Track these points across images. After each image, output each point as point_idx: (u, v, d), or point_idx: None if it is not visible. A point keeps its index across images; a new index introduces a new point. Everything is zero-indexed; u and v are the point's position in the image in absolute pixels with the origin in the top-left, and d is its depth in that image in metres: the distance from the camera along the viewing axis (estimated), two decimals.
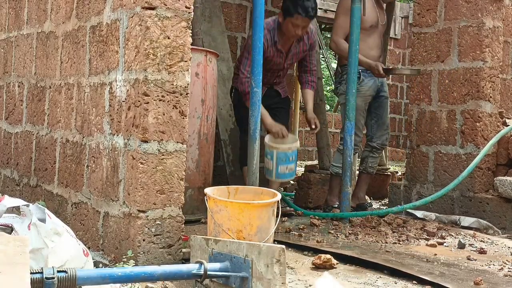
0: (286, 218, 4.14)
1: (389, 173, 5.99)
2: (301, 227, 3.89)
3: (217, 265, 2.31)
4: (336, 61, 5.45)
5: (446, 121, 4.66)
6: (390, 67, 4.45)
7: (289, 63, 4.47)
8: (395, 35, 12.05)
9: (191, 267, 2.29)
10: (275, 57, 4.29)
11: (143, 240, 2.66)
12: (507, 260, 3.21)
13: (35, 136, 3.79)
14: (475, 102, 4.49)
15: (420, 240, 3.66)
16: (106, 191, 2.90)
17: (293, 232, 3.72)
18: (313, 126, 4.38)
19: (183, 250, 2.78)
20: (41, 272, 2.01)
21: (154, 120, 2.68)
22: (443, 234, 3.86)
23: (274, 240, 3.09)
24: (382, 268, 2.90)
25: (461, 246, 3.53)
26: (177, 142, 2.75)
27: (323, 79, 8.35)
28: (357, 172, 5.13)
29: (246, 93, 3.99)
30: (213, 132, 3.99)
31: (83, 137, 3.16)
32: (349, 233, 3.73)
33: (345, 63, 4.44)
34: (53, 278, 2.00)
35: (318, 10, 10.26)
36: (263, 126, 4.18)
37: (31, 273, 1.98)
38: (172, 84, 2.73)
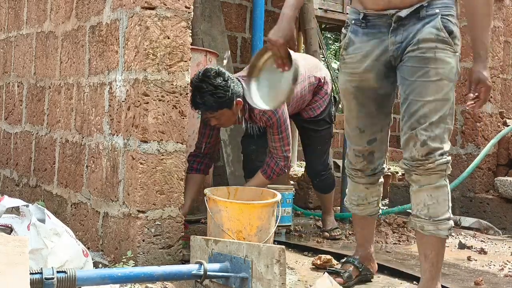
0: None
1: (389, 173, 5.99)
2: (301, 227, 3.88)
3: (217, 266, 2.30)
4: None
5: None
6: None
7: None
8: None
9: (191, 267, 2.28)
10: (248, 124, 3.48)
11: (143, 241, 2.65)
12: (507, 261, 3.20)
13: (35, 136, 3.79)
14: None
15: None
16: (106, 191, 2.90)
17: (293, 233, 3.71)
18: None
19: (183, 251, 2.77)
20: (41, 273, 2.00)
21: (154, 120, 2.67)
22: None
23: (274, 241, 3.08)
24: (382, 269, 2.89)
25: (462, 246, 3.52)
26: (177, 142, 2.75)
27: None
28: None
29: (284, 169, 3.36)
30: None
31: (83, 137, 3.16)
32: (349, 234, 3.73)
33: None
34: (52, 278, 2.00)
35: (317, 10, 10.15)
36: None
37: (30, 273, 1.97)
38: (172, 84, 2.72)
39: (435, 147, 2.20)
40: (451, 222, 2.28)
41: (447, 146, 2.24)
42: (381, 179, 2.64)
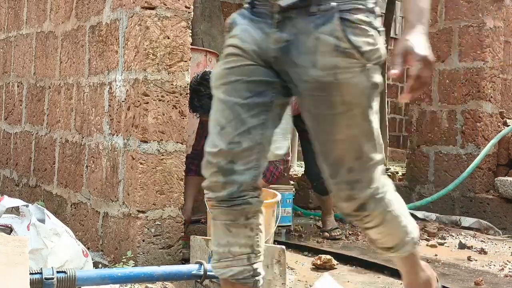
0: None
1: (389, 174, 5.98)
2: (301, 227, 3.88)
3: None
4: None
5: (446, 121, 4.65)
6: None
7: None
8: (396, 35, 12.06)
9: (191, 267, 2.28)
10: None
11: (143, 241, 2.65)
12: (507, 261, 3.20)
13: (35, 136, 3.79)
14: (475, 102, 4.48)
15: (420, 240, 3.64)
16: (106, 191, 2.90)
17: (293, 233, 3.71)
18: None
19: (183, 250, 2.77)
20: (41, 273, 2.00)
21: (154, 120, 2.67)
22: (444, 234, 3.85)
23: (274, 241, 3.08)
24: (383, 269, 2.89)
25: (462, 246, 3.52)
26: (177, 142, 2.75)
27: None
28: None
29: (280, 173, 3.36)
30: None
31: (83, 137, 3.16)
32: (350, 234, 3.73)
33: None
34: (52, 278, 2.00)
35: None
36: None
37: (30, 273, 1.97)
38: (172, 84, 2.72)
39: (364, 197, 1.67)
40: (413, 236, 1.80)
41: (378, 176, 1.69)
42: (256, 219, 1.68)
